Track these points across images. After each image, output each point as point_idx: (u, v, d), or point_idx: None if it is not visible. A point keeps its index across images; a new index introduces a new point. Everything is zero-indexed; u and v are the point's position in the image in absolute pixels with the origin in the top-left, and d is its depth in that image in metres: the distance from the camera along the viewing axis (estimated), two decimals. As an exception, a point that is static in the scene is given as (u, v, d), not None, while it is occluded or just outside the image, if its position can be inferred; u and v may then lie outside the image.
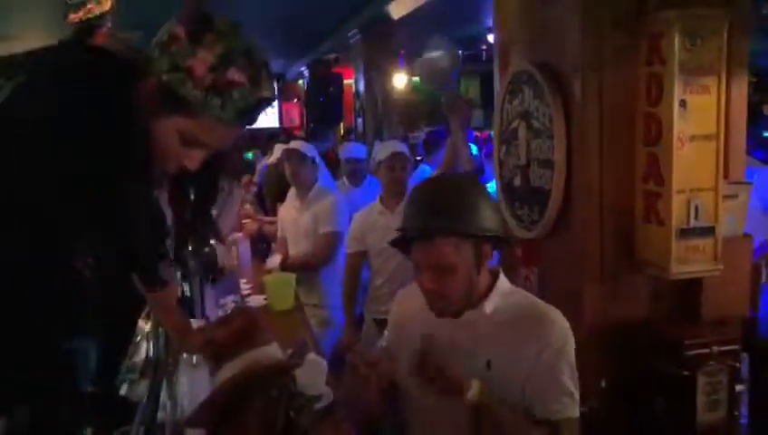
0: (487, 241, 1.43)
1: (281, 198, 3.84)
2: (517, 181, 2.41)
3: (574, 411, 1.40)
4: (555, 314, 1.46)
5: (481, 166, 4.17)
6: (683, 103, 1.87)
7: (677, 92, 1.86)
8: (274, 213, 4.45)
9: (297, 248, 3.44)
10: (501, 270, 1.54)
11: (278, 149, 4.31)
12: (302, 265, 3.25)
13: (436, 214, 1.38)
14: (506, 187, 2.51)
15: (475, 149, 4.22)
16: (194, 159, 1.21)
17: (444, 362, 1.33)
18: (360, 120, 6.68)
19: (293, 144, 3.66)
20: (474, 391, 1.30)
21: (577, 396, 1.41)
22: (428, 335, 1.40)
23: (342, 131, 7.73)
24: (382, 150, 3.15)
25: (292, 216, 3.56)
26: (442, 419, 1.47)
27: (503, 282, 1.51)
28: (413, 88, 7.39)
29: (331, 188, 3.54)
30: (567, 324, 1.44)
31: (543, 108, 2.16)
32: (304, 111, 8.50)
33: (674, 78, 1.85)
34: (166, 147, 1.18)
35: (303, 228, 3.42)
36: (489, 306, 1.46)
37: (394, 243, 1.51)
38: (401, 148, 3.17)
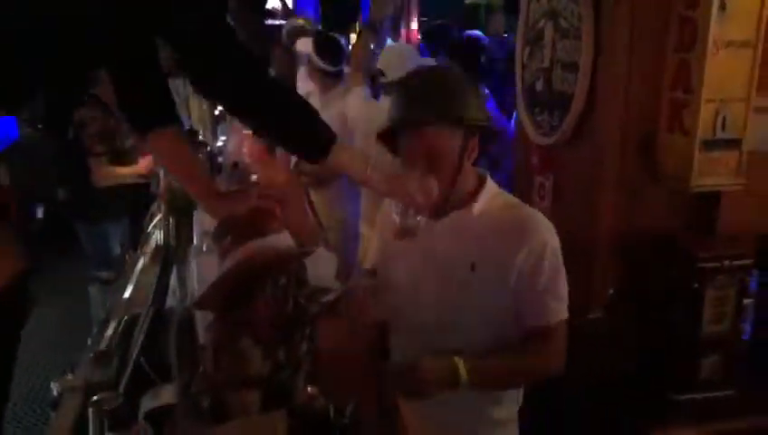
0: (475, 132, 1.43)
1: None
2: (539, 85, 2.33)
3: (563, 314, 1.42)
4: (539, 217, 1.45)
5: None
6: (722, 5, 1.76)
7: (718, -7, 1.74)
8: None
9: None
10: (488, 174, 1.54)
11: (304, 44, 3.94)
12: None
13: (426, 103, 1.38)
14: (527, 91, 2.42)
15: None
16: None
17: (414, 363, 1.28)
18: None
19: None
20: (462, 376, 1.26)
21: (566, 298, 1.43)
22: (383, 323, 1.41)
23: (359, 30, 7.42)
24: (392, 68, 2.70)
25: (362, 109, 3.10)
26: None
27: (491, 184, 1.52)
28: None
29: None
30: (552, 228, 1.44)
31: (573, 5, 2.05)
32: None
33: (716, -24, 1.73)
34: None
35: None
36: (477, 208, 1.46)
37: (380, 136, 1.50)
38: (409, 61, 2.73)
